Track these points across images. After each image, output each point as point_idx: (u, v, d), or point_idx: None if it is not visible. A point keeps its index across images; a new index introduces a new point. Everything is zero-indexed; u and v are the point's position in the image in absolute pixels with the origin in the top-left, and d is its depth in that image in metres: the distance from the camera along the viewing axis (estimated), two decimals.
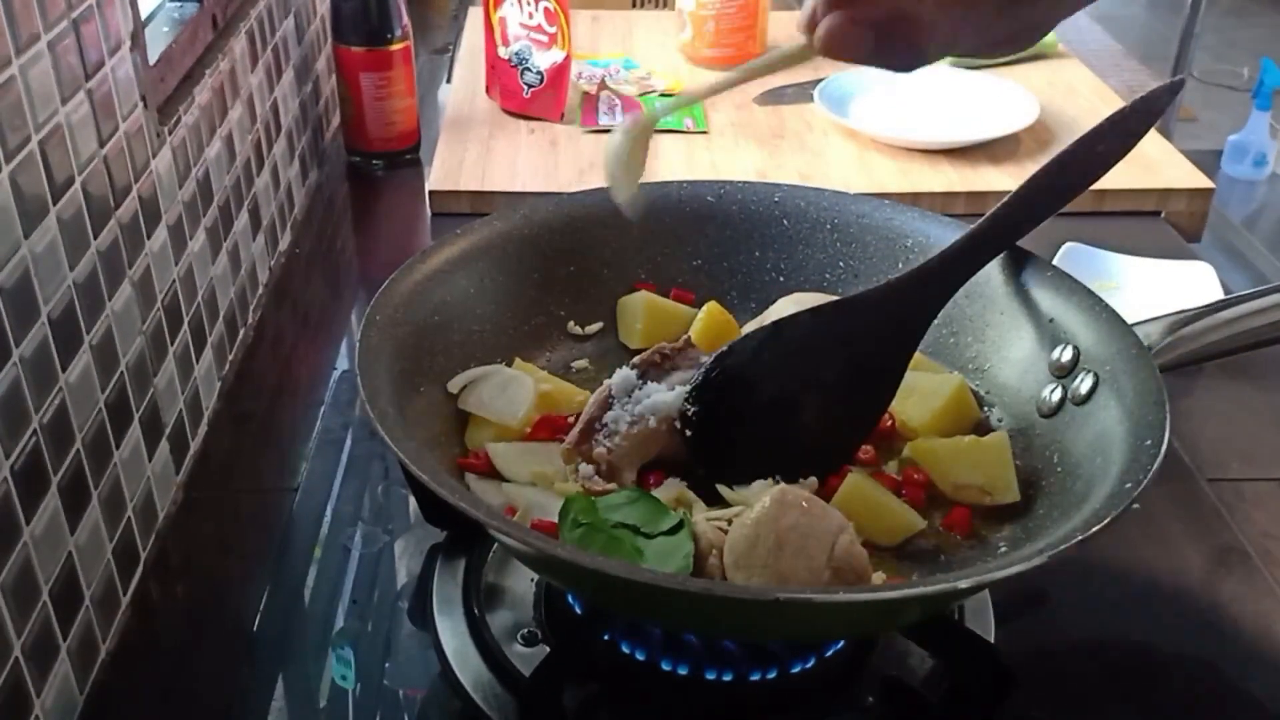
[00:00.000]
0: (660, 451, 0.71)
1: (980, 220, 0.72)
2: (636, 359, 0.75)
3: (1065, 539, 0.56)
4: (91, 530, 0.66)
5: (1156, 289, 1.00)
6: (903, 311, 0.71)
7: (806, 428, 0.70)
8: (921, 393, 0.74)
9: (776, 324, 0.71)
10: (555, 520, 0.64)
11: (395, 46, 1.20)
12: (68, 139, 0.65)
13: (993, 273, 0.77)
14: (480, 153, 1.23)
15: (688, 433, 0.70)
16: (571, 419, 0.73)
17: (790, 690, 0.65)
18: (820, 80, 1.33)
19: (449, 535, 0.74)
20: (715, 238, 0.85)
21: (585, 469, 0.69)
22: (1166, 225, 1.17)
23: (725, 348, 0.71)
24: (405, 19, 1.21)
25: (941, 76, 1.38)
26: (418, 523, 0.78)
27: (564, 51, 1.26)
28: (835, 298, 0.79)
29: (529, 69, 1.28)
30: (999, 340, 0.76)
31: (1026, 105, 1.27)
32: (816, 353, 0.70)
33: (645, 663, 0.65)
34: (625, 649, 0.65)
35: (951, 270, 0.71)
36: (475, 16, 1.50)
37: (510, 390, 0.73)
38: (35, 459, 0.60)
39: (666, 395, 0.71)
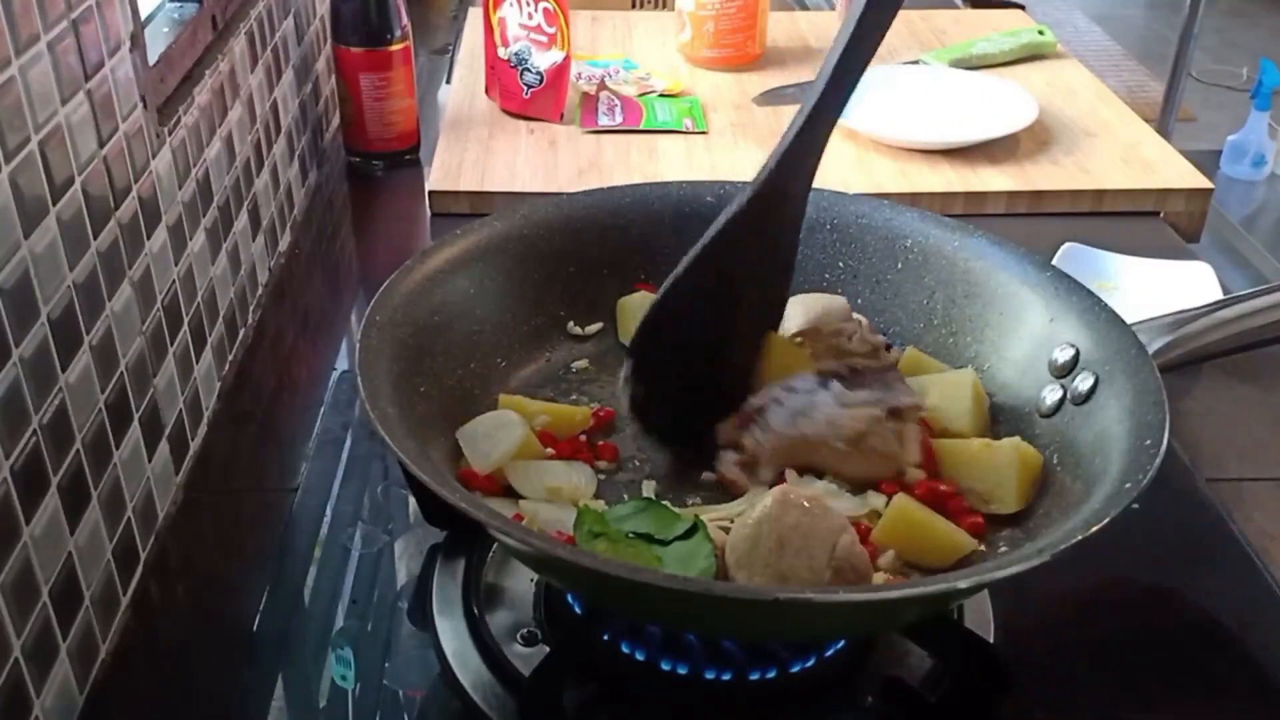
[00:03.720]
0: (811, 462, 0.70)
1: (823, 68, 0.69)
2: (823, 366, 0.73)
3: (1064, 539, 0.56)
4: (91, 530, 0.66)
5: (1155, 289, 1.00)
6: (771, 219, 0.71)
7: (729, 353, 0.72)
8: (946, 394, 0.74)
9: (684, 269, 0.70)
10: (564, 530, 0.64)
11: (395, 47, 1.20)
12: (67, 139, 0.65)
13: (992, 272, 0.77)
14: (480, 153, 1.23)
15: (634, 396, 0.71)
16: (583, 437, 0.74)
17: (790, 690, 0.65)
18: None
19: (449, 535, 0.74)
20: None
21: (726, 455, 0.69)
22: (1165, 225, 1.17)
23: (646, 313, 0.71)
24: (405, 19, 1.21)
25: (941, 77, 1.38)
26: (417, 523, 0.78)
27: (563, 52, 1.26)
28: (839, 297, 0.79)
29: (528, 69, 1.28)
30: (998, 340, 0.77)
31: (1025, 106, 1.27)
32: (721, 282, 0.70)
33: (645, 663, 0.65)
34: (625, 649, 0.65)
35: (807, 142, 0.70)
36: (475, 17, 1.50)
37: (497, 436, 0.71)
38: (35, 459, 0.60)
39: (836, 411, 0.69)
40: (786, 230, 0.73)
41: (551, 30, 1.26)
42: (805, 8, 1.86)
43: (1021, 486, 0.68)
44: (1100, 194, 1.17)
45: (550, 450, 0.72)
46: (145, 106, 0.76)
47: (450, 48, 1.58)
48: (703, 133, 1.28)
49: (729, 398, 0.72)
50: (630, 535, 0.63)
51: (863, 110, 1.31)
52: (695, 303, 0.70)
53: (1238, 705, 0.69)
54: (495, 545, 0.73)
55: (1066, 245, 1.05)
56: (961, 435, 0.72)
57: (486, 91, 1.34)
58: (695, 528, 0.62)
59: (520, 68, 1.28)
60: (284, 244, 1.11)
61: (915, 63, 1.45)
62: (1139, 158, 1.23)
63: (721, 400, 0.72)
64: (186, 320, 0.83)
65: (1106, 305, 0.72)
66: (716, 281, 0.70)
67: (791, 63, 1.46)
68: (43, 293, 0.62)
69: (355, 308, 1.07)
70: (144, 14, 0.83)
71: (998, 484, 0.69)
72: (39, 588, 0.61)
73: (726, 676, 0.64)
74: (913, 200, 1.12)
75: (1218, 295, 0.98)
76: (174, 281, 0.81)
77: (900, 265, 0.81)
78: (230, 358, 0.93)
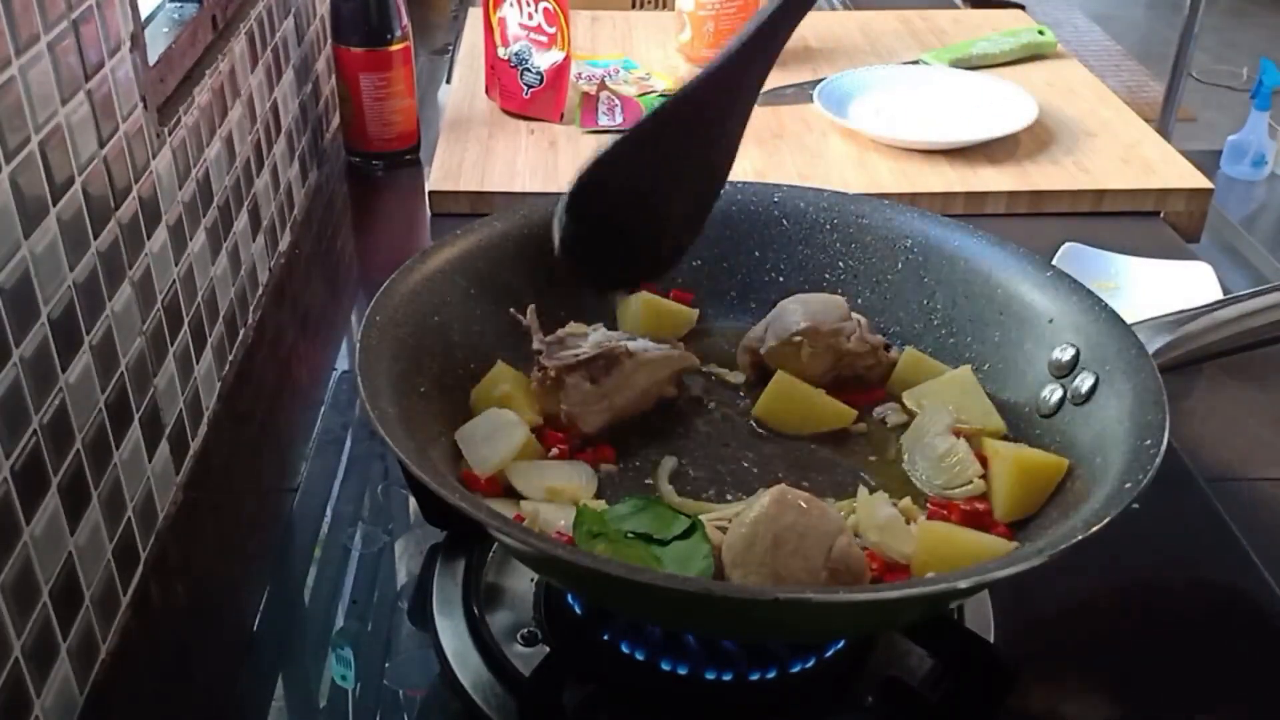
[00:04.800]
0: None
1: None
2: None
3: (1064, 539, 0.56)
4: (91, 530, 0.66)
5: (1156, 289, 1.00)
6: (725, 95, 0.75)
7: (667, 215, 0.74)
8: (955, 398, 0.74)
9: (617, 143, 0.71)
10: (564, 530, 0.64)
11: (395, 47, 1.20)
12: (68, 140, 0.65)
13: (992, 272, 0.77)
14: (480, 153, 1.23)
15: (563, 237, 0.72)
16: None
17: (790, 690, 0.65)
18: (819, 81, 1.33)
19: (449, 535, 0.74)
20: (715, 238, 0.85)
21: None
22: (1165, 225, 1.17)
23: (590, 163, 0.71)
24: (405, 19, 1.21)
25: (941, 77, 1.38)
26: (417, 523, 0.78)
27: (563, 52, 1.26)
28: (839, 297, 0.80)
29: (528, 69, 1.28)
30: (998, 340, 0.77)
31: (1025, 106, 1.27)
32: (669, 144, 0.72)
33: (645, 663, 0.65)
34: (625, 649, 0.65)
35: (762, 44, 0.75)
36: (475, 17, 1.50)
37: (497, 437, 0.71)
38: (35, 459, 0.60)
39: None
40: (729, 131, 0.76)
41: (551, 30, 1.26)
42: None
43: (1014, 495, 0.68)
44: (1100, 194, 1.17)
45: (555, 451, 0.72)
46: (145, 106, 0.76)
47: (450, 48, 1.58)
48: None
49: (653, 259, 0.76)
50: (629, 535, 0.63)
51: (863, 110, 1.31)
52: (638, 162, 0.71)
53: (1238, 705, 0.68)
54: (495, 545, 0.73)
55: (1066, 245, 1.05)
56: (991, 433, 0.72)
57: (486, 91, 1.34)
58: (693, 528, 0.62)
59: (520, 68, 1.28)
60: (284, 244, 1.11)
61: (915, 63, 1.45)
62: (1139, 158, 1.23)
63: (645, 259, 0.75)
64: (186, 320, 0.83)
65: (1106, 305, 0.72)
66: (660, 151, 0.72)
67: (791, 63, 1.46)
68: (43, 293, 0.62)
69: (355, 308, 1.07)
70: (144, 14, 0.83)
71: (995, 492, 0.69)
72: (39, 588, 0.61)
73: (726, 676, 0.64)
74: (913, 200, 1.12)
75: (1218, 295, 0.98)
76: (174, 281, 0.81)
77: (900, 265, 0.81)
78: (230, 358, 0.93)
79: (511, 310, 0.77)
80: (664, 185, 0.74)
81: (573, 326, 0.77)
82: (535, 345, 0.75)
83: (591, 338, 0.76)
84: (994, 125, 1.25)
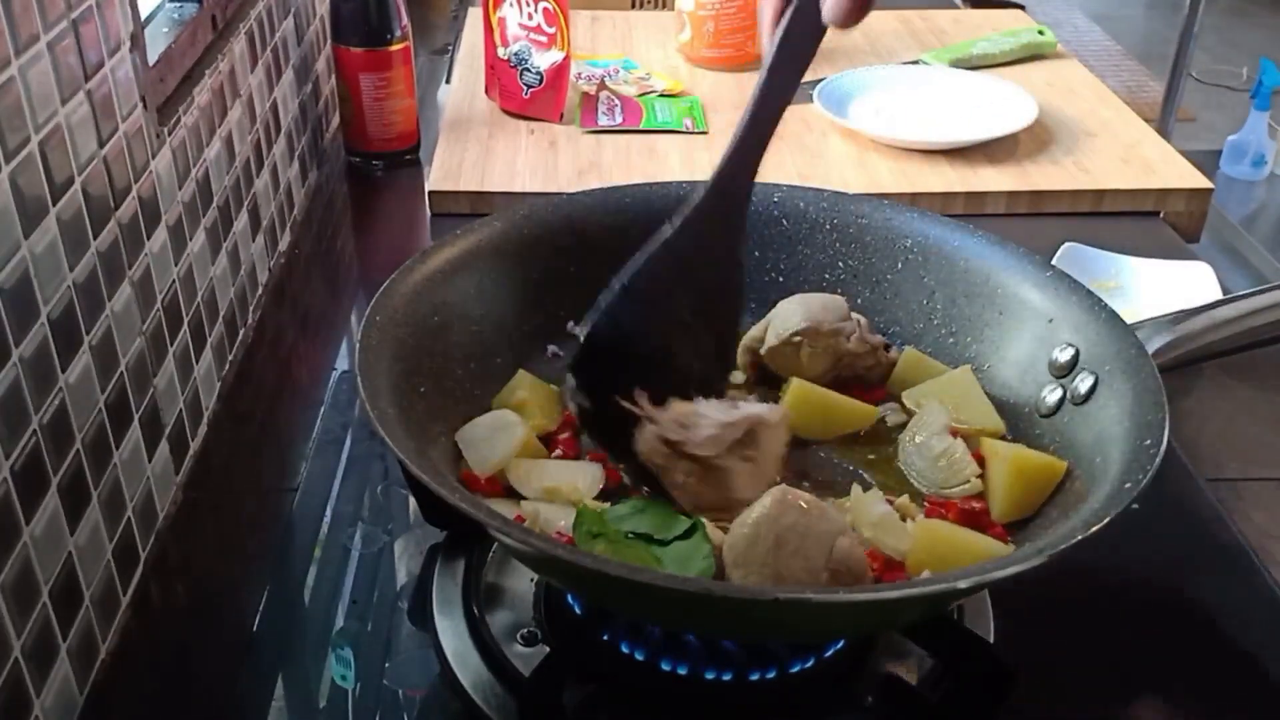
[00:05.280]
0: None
1: (747, 107, 0.70)
2: None
3: (1064, 539, 0.56)
4: (91, 530, 0.66)
5: (1156, 289, 1.00)
6: (717, 224, 0.70)
7: (683, 365, 0.70)
8: (955, 397, 0.74)
9: (623, 286, 0.68)
10: (564, 530, 0.64)
11: (395, 47, 1.20)
12: (67, 140, 0.65)
13: (992, 272, 0.77)
14: (480, 153, 1.23)
15: (582, 407, 0.68)
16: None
17: (790, 690, 0.65)
18: (819, 81, 1.33)
19: (449, 535, 0.74)
20: None
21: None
22: (1165, 225, 1.17)
23: (589, 325, 0.68)
24: (405, 19, 1.21)
25: (941, 77, 1.38)
26: (417, 523, 0.78)
27: (563, 52, 1.26)
28: (839, 297, 0.79)
29: (528, 69, 1.28)
30: (998, 340, 0.77)
31: (1025, 106, 1.27)
32: (666, 297, 0.69)
33: (645, 663, 0.65)
34: (625, 649, 0.65)
35: (741, 163, 0.70)
36: (475, 17, 1.50)
37: (495, 439, 0.71)
38: (35, 459, 0.60)
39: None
40: (730, 238, 0.71)
41: (551, 30, 1.26)
42: None
43: (1011, 496, 0.68)
44: (1100, 194, 1.17)
45: (559, 451, 0.72)
46: (145, 106, 0.76)
47: (450, 48, 1.58)
48: (703, 133, 1.28)
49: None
50: (629, 535, 0.63)
51: (863, 110, 1.31)
52: (636, 314, 0.68)
53: (1237, 705, 0.68)
54: (495, 545, 0.73)
55: (1066, 245, 1.05)
56: (990, 433, 0.72)
57: (486, 91, 1.35)
58: (694, 528, 0.62)
59: (520, 68, 1.28)
60: (284, 244, 1.11)
61: (915, 63, 1.45)
62: (1139, 158, 1.23)
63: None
64: (186, 320, 0.83)
65: (1106, 305, 0.72)
66: (658, 292, 0.68)
67: None
68: (43, 293, 0.62)
69: (355, 308, 1.07)
70: (144, 14, 0.83)
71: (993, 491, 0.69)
72: (39, 588, 0.61)
73: (726, 676, 0.64)
74: (913, 200, 1.12)
75: (1218, 295, 0.98)
76: (174, 281, 0.81)
77: (900, 265, 0.81)
78: (230, 358, 0.93)
79: (616, 399, 0.68)
80: (667, 325, 0.69)
81: (683, 405, 0.68)
82: (671, 436, 0.66)
83: (711, 415, 0.68)
84: (994, 125, 1.25)
